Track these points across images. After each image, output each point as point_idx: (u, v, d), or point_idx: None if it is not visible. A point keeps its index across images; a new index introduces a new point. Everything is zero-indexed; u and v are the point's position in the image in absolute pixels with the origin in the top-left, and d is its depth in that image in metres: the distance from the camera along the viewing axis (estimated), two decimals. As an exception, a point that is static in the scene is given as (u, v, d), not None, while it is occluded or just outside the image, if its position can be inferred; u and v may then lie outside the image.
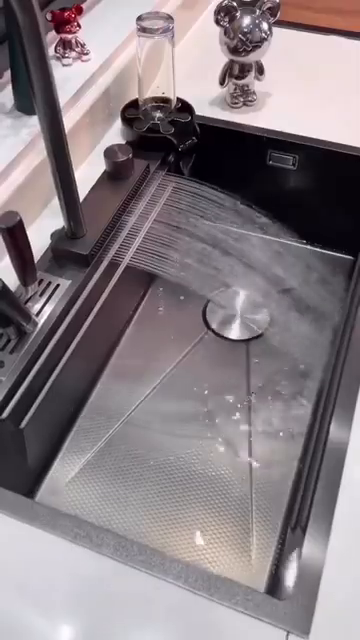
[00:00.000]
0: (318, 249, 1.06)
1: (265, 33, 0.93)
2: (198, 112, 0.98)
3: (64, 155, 0.69)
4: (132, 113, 0.95)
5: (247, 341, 0.95)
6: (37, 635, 0.50)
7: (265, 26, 0.92)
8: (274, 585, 0.68)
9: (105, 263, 0.79)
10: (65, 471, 0.79)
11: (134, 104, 0.96)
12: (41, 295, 0.74)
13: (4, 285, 0.61)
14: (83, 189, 0.78)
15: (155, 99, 0.94)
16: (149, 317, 0.98)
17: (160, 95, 0.94)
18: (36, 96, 0.64)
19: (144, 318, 0.98)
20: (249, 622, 0.50)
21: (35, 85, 0.62)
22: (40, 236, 0.78)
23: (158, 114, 0.94)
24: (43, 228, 0.79)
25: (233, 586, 0.52)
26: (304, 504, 0.60)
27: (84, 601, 0.52)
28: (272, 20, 0.93)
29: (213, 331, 0.96)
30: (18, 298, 0.67)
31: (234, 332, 0.96)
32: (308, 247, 1.06)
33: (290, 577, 0.56)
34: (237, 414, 0.85)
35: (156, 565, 0.52)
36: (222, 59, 0.99)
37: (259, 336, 0.95)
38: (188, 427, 0.83)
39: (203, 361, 0.92)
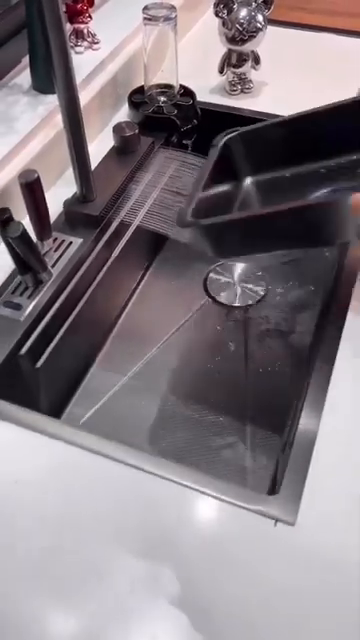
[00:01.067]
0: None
1: (260, 24, 1.01)
2: (200, 98, 1.06)
3: (79, 124, 0.77)
4: (138, 98, 1.03)
5: (245, 308, 1.02)
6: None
7: (260, 17, 1.01)
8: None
9: (115, 224, 0.86)
10: (78, 415, 0.85)
11: (140, 90, 1.04)
12: (55, 251, 0.81)
13: (24, 230, 0.68)
14: (93, 163, 0.86)
15: (160, 85, 1.03)
16: (154, 284, 1.06)
17: (164, 81, 1.02)
18: (56, 75, 0.72)
19: (149, 286, 1.05)
20: (244, 514, 0.56)
21: (56, 66, 0.71)
22: (55, 203, 0.85)
23: (162, 98, 1.02)
24: (57, 195, 0.87)
25: (231, 485, 0.58)
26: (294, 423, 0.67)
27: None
28: (267, 12, 1.02)
29: (213, 299, 1.03)
30: (36, 245, 0.74)
31: (232, 299, 1.03)
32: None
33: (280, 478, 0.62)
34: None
35: (176, 472, 0.59)
36: (221, 53, 1.08)
37: (258, 302, 1.02)
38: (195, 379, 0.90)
39: (204, 323, 0.99)
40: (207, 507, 0.57)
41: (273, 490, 0.64)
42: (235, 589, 0.52)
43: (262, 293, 1.03)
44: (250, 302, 1.02)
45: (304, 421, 0.63)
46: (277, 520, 0.55)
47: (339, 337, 0.71)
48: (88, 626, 0.50)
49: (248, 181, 0.82)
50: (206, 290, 1.04)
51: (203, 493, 0.57)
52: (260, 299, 1.02)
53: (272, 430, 0.82)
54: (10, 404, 0.65)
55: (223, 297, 1.03)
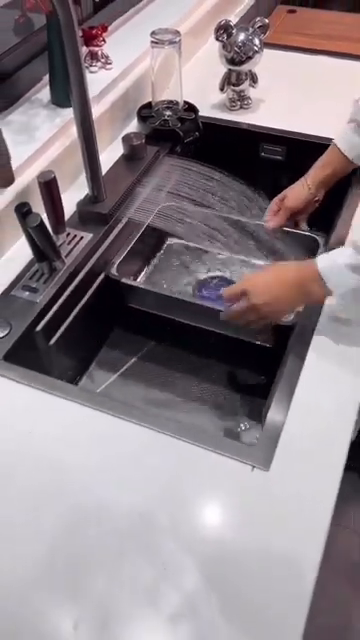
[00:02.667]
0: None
1: (256, 47, 1.12)
2: (203, 113, 1.17)
3: (91, 134, 0.88)
4: (146, 112, 1.15)
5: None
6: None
7: (256, 41, 1.12)
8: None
9: (124, 221, 0.97)
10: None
11: (148, 105, 1.16)
12: (69, 244, 0.91)
13: (42, 220, 0.79)
14: (103, 170, 0.96)
15: (166, 101, 1.14)
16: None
17: (170, 98, 1.13)
18: (72, 89, 0.83)
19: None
20: (225, 460, 0.65)
21: (72, 80, 0.82)
22: (69, 204, 0.95)
23: (168, 112, 1.13)
24: (71, 198, 0.97)
25: (213, 436, 0.67)
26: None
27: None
28: (263, 36, 1.13)
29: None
30: (52, 236, 0.84)
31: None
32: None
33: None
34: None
35: (170, 427, 0.68)
36: (222, 73, 1.19)
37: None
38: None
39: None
40: (197, 456, 0.66)
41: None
42: (217, 521, 0.61)
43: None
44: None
45: (282, 383, 0.72)
46: (254, 466, 0.64)
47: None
48: (96, 562, 0.59)
49: None
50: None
51: (193, 444, 0.66)
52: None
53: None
54: (28, 370, 0.75)
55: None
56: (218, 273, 1.10)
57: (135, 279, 1.08)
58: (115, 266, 0.97)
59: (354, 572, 1.33)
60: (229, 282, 1.06)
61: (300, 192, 1.00)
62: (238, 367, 0.98)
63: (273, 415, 0.69)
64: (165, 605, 0.55)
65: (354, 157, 0.95)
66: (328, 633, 1.23)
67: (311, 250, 1.02)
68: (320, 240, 1.02)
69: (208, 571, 0.57)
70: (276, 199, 1.03)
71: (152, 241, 1.12)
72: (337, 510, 0.61)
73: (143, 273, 1.11)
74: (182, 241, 1.14)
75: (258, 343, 0.92)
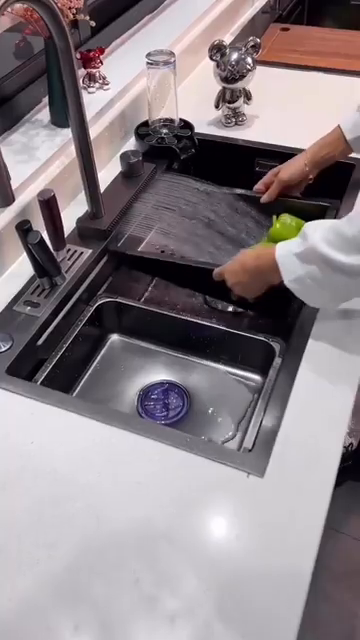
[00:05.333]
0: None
1: (249, 65, 1.16)
2: (199, 130, 1.20)
3: (89, 153, 0.91)
4: (143, 130, 1.18)
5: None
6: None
7: (249, 60, 1.15)
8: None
9: (124, 239, 1.00)
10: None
11: (145, 123, 1.19)
12: (69, 259, 0.94)
13: (42, 237, 0.81)
14: (102, 187, 0.99)
15: (162, 119, 1.17)
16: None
17: (166, 116, 1.17)
18: (70, 111, 0.86)
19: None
20: (221, 467, 0.67)
21: (70, 103, 0.85)
22: (68, 221, 0.98)
23: (165, 130, 1.16)
24: (71, 215, 1.00)
25: (209, 444, 0.69)
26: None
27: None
28: (255, 55, 1.16)
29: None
30: (52, 252, 0.87)
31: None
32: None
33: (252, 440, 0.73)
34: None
35: (165, 435, 0.70)
36: (217, 90, 1.22)
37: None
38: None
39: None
40: (192, 462, 0.68)
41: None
42: (211, 526, 0.63)
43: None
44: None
45: (276, 394, 0.74)
46: (249, 473, 0.66)
47: (311, 327, 0.82)
48: (96, 563, 0.61)
49: None
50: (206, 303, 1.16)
51: (189, 452, 0.68)
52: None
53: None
54: (30, 383, 0.77)
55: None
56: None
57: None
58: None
59: (357, 580, 1.34)
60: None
61: (296, 167, 1.02)
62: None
63: (268, 421, 0.71)
64: (163, 610, 0.57)
65: (352, 139, 0.97)
66: (331, 641, 1.23)
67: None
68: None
69: (205, 577, 0.59)
70: (271, 172, 1.06)
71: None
72: (339, 518, 0.63)
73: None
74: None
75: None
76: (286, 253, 0.77)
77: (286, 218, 0.98)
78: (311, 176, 1.03)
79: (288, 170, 1.03)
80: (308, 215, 1.10)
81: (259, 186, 1.08)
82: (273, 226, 0.97)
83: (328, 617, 1.22)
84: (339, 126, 1.00)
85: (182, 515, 0.64)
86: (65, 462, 0.69)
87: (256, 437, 0.74)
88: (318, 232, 0.72)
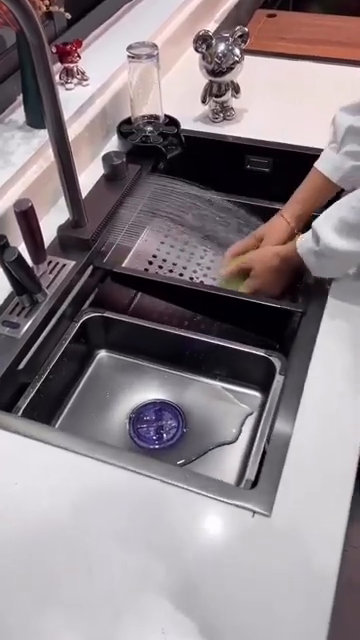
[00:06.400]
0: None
1: (237, 57, 1.09)
2: (185, 127, 1.13)
3: (68, 156, 0.84)
4: (126, 128, 1.11)
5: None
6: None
7: (237, 51, 1.08)
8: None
9: (111, 250, 0.93)
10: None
11: (128, 121, 1.12)
12: (50, 273, 0.87)
13: (20, 254, 0.74)
14: (84, 192, 0.92)
15: (146, 116, 1.10)
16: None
17: (150, 112, 1.09)
18: (45, 112, 0.79)
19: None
20: (223, 506, 0.61)
21: (45, 103, 0.78)
22: (49, 228, 0.91)
23: (149, 128, 1.09)
24: (52, 222, 0.93)
25: (213, 481, 0.63)
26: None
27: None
28: (243, 46, 1.09)
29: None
30: (31, 268, 0.80)
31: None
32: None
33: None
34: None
35: (162, 472, 0.64)
36: (204, 83, 1.15)
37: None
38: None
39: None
40: (190, 502, 0.62)
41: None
42: (218, 574, 0.57)
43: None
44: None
45: (280, 420, 0.68)
46: (254, 512, 0.60)
47: (314, 343, 0.76)
48: (88, 624, 0.55)
49: None
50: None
51: (188, 490, 0.62)
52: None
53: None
54: (10, 415, 0.71)
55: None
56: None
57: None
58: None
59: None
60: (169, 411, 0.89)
61: (280, 228, 0.93)
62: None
63: (273, 448, 0.65)
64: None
65: (339, 179, 0.90)
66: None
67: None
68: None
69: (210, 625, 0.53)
70: (252, 236, 0.97)
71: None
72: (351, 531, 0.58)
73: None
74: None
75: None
76: (307, 251, 0.82)
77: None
78: (298, 231, 0.93)
79: (273, 235, 0.93)
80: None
81: (238, 249, 0.96)
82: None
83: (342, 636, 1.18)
84: (317, 168, 0.91)
85: (180, 568, 0.58)
86: (53, 505, 0.63)
87: (259, 466, 0.69)
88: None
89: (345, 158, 0.88)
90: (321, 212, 0.83)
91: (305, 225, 0.92)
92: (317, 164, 0.92)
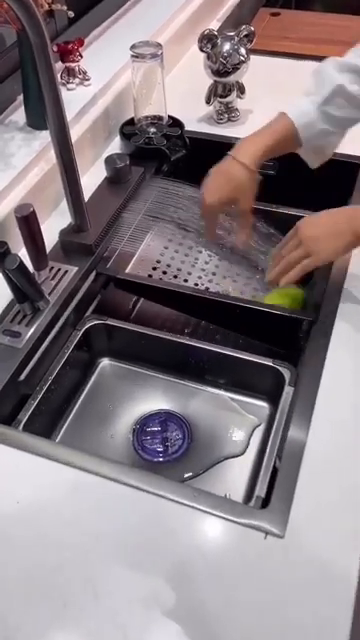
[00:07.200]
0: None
1: (243, 57, 1.06)
2: (189, 128, 1.11)
3: (71, 159, 0.81)
4: (129, 129, 1.08)
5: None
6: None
7: (243, 51, 1.06)
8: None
9: (114, 256, 0.90)
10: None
11: (131, 122, 1.09)
12: (52, 279, 0.84)
13: (21, 262, 0.72)
14: (86, 195, 0.89)
15: (149, 117, 1.07)
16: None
17: (154, 113, 1.07)
18: (48, 112, 0.76)
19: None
20: (235, 527, 0.59)
21: (47, 103, 0.75)
22: (51, 233, 0.89)
23: (152, 129, 1.07)
24: (54, 226, 0.90)
25: (224, 500, 0.61)
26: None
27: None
28: (249, 45, 1.07)
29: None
30: (33, 275, 0.77)
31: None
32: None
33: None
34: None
35: (170, 489, 0.62)
36: (208, 83, 1.13)
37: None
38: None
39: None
40: (201, 521, 0.60)
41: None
42: (229, 599, 0.55)
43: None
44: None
45: (292, 434, 0.66)
46: (267, 533, 0.58)
47: (325, 352, 0.74)
48: (88, 640, 0.53)
49: None
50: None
51: (197, 509, 0.60)
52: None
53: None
54: (12, 429, 0.68)
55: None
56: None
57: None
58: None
59: None
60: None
61: (250, 185, 0.83)
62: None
63: (285, 465, 0.63)
64: None
65: (305, 137, 0.81)
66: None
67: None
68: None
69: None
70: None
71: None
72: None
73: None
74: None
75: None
76: None
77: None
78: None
79: (245, 192, 0.83)
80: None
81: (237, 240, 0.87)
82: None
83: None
84: (290, 119, 0.82)
85: (188, 591, 0.55)
86: (57, 525, 0.60)
87: (270, 482, 0.66)
88: None
89: (321, 118, 0.81)
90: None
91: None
92: (290, 112, 0.83)
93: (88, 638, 0.53)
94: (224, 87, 1.11)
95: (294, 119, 0.83)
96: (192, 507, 0.60)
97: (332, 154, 0.90)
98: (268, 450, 0.72)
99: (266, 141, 0.83)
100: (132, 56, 0.99)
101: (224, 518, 0.59)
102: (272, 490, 0.62)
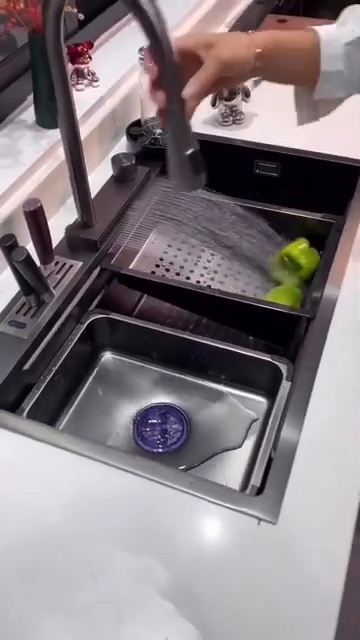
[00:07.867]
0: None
1: (249, 61, 1.08)
2: (194, 130, 1.11)
3: (79, 157, 0.83)
4: (136, 130, 1.10)
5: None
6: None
7: (249, 55, 1.08)
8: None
9: (118, 252, 0.92)
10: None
11: (138, 123, 1.11)
12: (57, 273, 0.87)
13: (28, 254, 0.74)
14: (92, 192, 0.92)
15: (156, 118, 1.09)
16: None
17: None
18: (59, 112, 0.79)
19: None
20: (230, 513, 0.60)
21: (59, 103, 0.78)
22: (57, 228, 0.91)
23: (158, 130, 1.09)
24: (60, 222, 0.93)
25: (219, 487, 0.63)
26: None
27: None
28: (255, 50, 1.08)
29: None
30: (39, 268, 0.79)
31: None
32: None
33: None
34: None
35: (167, 477, 0.63)
36: (214, 85, 1.15)
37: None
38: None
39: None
40: (196, 507, 0.61)
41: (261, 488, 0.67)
42: (221, 582, 0.57)
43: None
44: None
45: (287, 426, 0.68)
46: (260, 519, 0.60)
47: (322, 348, 0.76)
48: (90, 630, 0.55)
49: None
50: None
51: (193, 495, 0.62)
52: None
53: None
54: (16, 416, 0.70)
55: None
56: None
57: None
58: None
59: None
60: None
61: (239, 44, 0.70)
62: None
63: (279, 455, 0.64)
64: None
65: (328, 55, 0.73)
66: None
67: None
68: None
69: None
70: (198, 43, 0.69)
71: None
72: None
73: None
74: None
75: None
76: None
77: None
78: (258, 64, 0.71)
79: (228, 46, 0.68)
80: (311, 234, 1.04)
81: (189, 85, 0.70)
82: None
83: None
84: (317, 32, 0.74)
85: (183, 574, 0.57)
86: (55, 508, 0.62)
87: (265, 473, 0.68)
88: None
89: (343, 31, 0.74)
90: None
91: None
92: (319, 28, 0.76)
93: (84, 614, 0.55)
94: (229, 90, 1.13)
95: (322, 35, 0.75)
96: (188, 493, 0.62)
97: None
98: (264, 442, 0.74)
99: (281, 33, 0.74)
100: (140, 59, 1.01)
101: (218, 504, 0.61)
102: (267, 480, 0.64)
